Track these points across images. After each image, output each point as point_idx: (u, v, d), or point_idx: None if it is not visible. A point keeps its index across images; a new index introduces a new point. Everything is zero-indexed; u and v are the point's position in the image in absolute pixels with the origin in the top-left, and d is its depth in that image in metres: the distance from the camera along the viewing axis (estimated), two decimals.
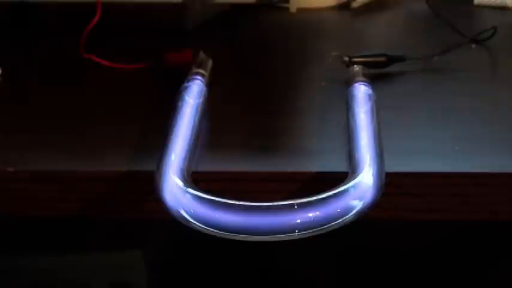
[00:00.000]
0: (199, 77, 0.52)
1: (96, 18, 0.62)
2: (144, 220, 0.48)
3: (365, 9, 0.82)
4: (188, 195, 0.39)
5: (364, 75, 0.53)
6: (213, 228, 0.39)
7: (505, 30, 0.71)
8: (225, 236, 0.39)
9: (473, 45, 0.67)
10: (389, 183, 0.42)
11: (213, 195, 0.39)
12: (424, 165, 0.44)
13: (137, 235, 0.64)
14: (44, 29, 0.72)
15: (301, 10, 0.76)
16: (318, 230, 0.39)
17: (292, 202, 0.38)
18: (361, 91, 0.50)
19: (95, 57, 0.62)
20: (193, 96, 0.49)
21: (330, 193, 0.39)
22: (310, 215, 0.38)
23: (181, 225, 0.39)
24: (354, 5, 0.82)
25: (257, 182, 0.43)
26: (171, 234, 0.68)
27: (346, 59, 0.57)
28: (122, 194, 0.44)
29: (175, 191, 0.40)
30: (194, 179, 0.41)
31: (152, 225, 0.65)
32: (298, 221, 0.38)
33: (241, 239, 0.39)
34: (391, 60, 0.59)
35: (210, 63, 0.56)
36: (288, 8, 0.73)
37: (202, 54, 0.58)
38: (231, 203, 0.39)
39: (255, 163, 0.45)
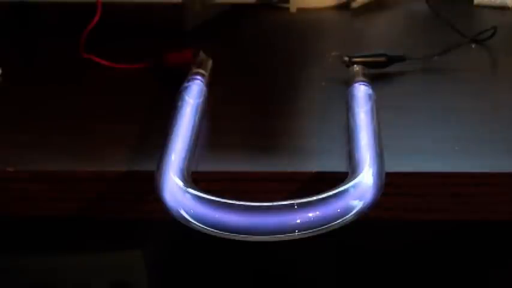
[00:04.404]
0: (199, 77, 0.52)
1: (96, 18, 0.62)
2: (144, 220, 0.48)
3: (365, 9, 0.82)
4: (188, 195, 0.39)
5: (364, 75, 0.53)
6: (213, 228, 0.39)
7: (505, 30, 0.71)
8: (225, 236, 0.39)
9: (473, 45, 0.67)
10: (389, 183, 0.42)
11: (213, 195, 0.39)
12: (424, 165, 0.44)
13: (137, 235, 0.64)
14: (44, 29, 0.72)
15: (301, 10, 0.76)
16: (318, 230, 0.39)
17: (292, 202, 0.38)
18: (361, 91, 0.50)
19: (95, 57, 0.62)
20: (193, 96, 0.49)
21: (330, 193, 0.39)
22: (310, 215, 0.38)
23: (181, 225, 0.39)
24: (354, 5, 0.81)
25: (257, 182, 0.43)
26: (171, 234, 0.68)
27: (346, 59, 0.57)
28: (122, 194, 0.44)
29: (175, 191, 0.40)
30: (194, 179, 0.41)
31: (152, 225, 0.65)
32: (298, 221, 0.38)
33: (241, 239, 0.39)
34: (391, 60, 0.59)
35: (210, 63, 0.56)
36: (288, 8, 0.73)
37: (202, 54, 0.58)
38: (231, 203, 0.39)
39: (255, 163, 0.45)
